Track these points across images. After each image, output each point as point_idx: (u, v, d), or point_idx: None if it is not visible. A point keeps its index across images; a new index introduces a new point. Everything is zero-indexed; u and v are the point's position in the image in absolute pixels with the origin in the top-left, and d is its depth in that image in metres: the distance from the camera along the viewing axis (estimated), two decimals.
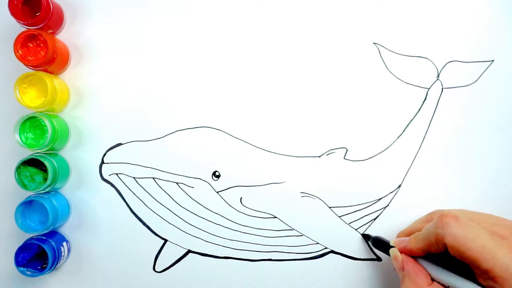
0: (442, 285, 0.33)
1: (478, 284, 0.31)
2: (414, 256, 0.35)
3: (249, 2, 0.42)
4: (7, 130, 0.41)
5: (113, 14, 0.42)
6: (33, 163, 0.39)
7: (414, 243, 0.35)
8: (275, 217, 0.41)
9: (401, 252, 0.36)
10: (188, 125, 0.42)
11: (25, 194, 0.40)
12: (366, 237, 0.41)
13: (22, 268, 0.38)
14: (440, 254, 0.33)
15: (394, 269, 0.36)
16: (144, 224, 0.41)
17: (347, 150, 0.41)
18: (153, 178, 0.41)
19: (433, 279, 0.33)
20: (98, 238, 0.41)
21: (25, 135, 0.39)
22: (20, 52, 0.39)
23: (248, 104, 0.41)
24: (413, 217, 0.40)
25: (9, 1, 0.38)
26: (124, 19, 0.42)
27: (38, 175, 0.39)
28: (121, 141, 0.41)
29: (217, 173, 0.41)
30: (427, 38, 0.41)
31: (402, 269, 0.35)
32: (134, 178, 0.41)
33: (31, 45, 0.39)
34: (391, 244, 0.37)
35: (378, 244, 0.39)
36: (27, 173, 0.39)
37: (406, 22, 0.41)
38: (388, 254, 0.37)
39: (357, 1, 0.42)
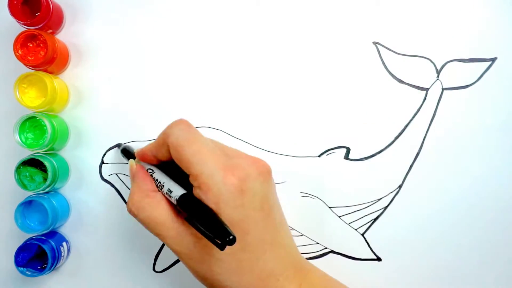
0: (163, 193, 0.32)
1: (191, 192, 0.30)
2: (150, 164, 0.34)
3: (249, 2, 0.42)
4: (6, 130, 0.41)
5: (113, 14, 0.42)
6: (33, 163, 0.39)
7: (147, 146, 0.34)
8: None
9: (141, 159, 0.35)
10: None
11: (24, 194, 0.40)
12: (118, 146, 0.41)
13: (22, 268, 0.38)
14: (171, 165, 0.33)
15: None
16: None
17: (347, 150, 0.41)
18: None
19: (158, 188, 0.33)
20: (98, 238, 0.41)
21: (25, 135, 0.39)
22: (19, 52, 0.39)
23: (248, 104, 0.41)
24: (414, 217, 0.40)
25: (9, 1, 0.38)
26: (124, 19, 0.42)
27: (37, 175, 0.39)
28: (121, 141, 0.41)
29: None
30: (427, 38, 0.41)
31: (133, 177, 0.34)
32: None
33: (31, 45, 0.39)
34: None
35: (126, 153, 0.38)
36: (27, 173, 0.39)
37: (406, 21, 0.41)
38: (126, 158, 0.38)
39: (357, 0, 0.42)
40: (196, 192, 0.30)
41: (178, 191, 0.31)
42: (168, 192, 0.32)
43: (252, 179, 0.30)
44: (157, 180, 0.33)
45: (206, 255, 0.30)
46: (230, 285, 0.31)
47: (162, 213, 0.31)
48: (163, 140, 0.32)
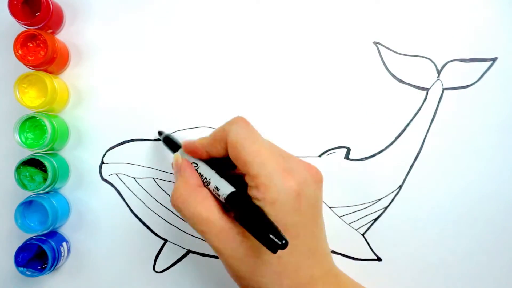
0: (210, 189, 0.32)
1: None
2: (200, 159, 0.34)
3: (248, 2, 0.42)
4: (6, 130, 0.41)
5: (113, 14, 0.42)
6: (33, 163, 0.39)
7: (200, 140, 0.33)
8: None
9: (189, 153, 0.34)
10: (188, 125, 0.41)
11: (24, 194, 0.40)
12: (159, 133, 0.40)
13: (22, 268, 0.38)
14: (223, 162, 0.32)
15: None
16: (144, 224, 0.41)
17: (347, 150, 0.41)
18: (153, 178, 0.41)
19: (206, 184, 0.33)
20: (98, 238, 0.41)
21: (25, 135, 0.39)
22: (20, 52, 0.39)
23: (248, 104, 0.41)
24: (414, 218, 0.40)
25: (9, 1, 0.38)
26: (124, 19, 0.42)
27: (38, 175, 0.39)
28: (121, 140, 0.41)
29: None
30: (427, 38, 0.41)
31: (179, 170, 0.33)
32: (134, 178, 0.41)
33: (31, 45, 0.39)
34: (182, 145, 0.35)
35: (169, 143, 0.38)
36: (27, 173, 0.39)
37: (407, 21, 0.41)
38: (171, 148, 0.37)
39: (357, 0, 0.42)
40: (253, 192, 0.29)
41: (227, 188, 0.30)
42: (215, 189, 0.31)
43: (308, 184, 0.30)
44: (202, 175, 0.33)
45: (252, 256, 0.30)
46: None
47: (208, 209, 0.31)
48: (221, 137, 0.31)
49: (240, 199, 0.29)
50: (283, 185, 0.29)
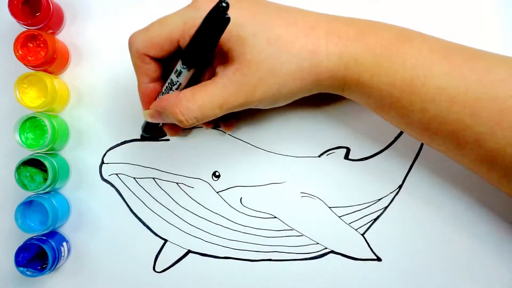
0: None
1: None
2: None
3: None
4: (7, 130, 0.41)
5: (113, 14, 0.42)
6: (33, 163, 0.39)
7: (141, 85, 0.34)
8: (275, 217, 0.41)
9: (146, 99, 0.35)
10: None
11: (25, 194, 0.40)
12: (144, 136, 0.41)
13: (22, 268, 0.38)
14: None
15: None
16: (144, 224, 0.41)
17: (347, 150, 0.41)
18: (153, 178, 0.41)
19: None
20: (98, 238, 0.41)
21: (25, 135, 0.39)
22: (20, 52, 0.39)
23: None
24: (414, 218, 0.40)
25: (9, 1, 0.38)
26: (124, 19, 0.42)
27: (38, 175, 0.39)
28: (120, 140, 0.42)
29: (217, 173, 0.41)
30: None
31: (164, 110, 0.32)
32: (134, 178, 0.41)
33: (31, 45, 0.39)
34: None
35: (148, 128, 0.39)
36: (27, 173, 0.39)
37: (406, 21, 0.41)
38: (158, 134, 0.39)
39: (357, 0, 0.42)
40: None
41: (177, 66, 0.31)
42: (175, 80, 0.32)
43: None
44: (169, 85, 0.33)
45: (251, 70, 0.30)
46: (278, 70, 0.31)
47: (203, 94, 0.31)
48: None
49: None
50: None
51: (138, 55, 0.32)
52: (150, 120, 0.35)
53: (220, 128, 0.41)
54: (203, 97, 0.31)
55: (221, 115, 0.32)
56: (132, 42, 0.32)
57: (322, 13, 0.33)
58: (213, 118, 0.32)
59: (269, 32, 0.30)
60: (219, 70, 0.31)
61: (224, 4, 0.26)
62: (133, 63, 0.33)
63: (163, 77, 0.34)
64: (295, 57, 0.31)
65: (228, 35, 0.30)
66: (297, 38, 0.31)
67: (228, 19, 0.27)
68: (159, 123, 0.38)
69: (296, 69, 0.31)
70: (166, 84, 0.33)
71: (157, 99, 0.34)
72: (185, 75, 0.31)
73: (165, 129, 0.39)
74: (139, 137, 0.42)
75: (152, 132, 0.40)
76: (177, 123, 0.32)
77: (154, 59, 0.33)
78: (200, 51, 0.29)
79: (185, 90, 0.32)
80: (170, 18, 0.32)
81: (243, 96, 0.31)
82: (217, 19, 0.27)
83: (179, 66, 0.31)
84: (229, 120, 0.40)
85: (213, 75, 0.32)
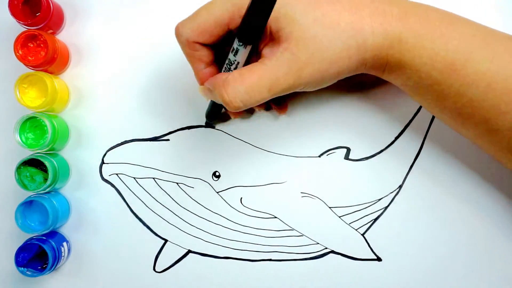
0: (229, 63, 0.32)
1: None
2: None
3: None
4: (7, 130, 0.41)
5: (113, 14, 0.42)
6: (33, 163, 0.39)
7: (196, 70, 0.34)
8: (275, 217, 0.41)
9: (204, 78, 0.34)
10: (188, 125, 0.42)
11: (25, 194, 0.40)
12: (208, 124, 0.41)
13: (22, 268, 0.38)
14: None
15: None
16: (144, 224, 0.41)
17: (347, 150, 0.41)
18: (153, 178, 0.41)
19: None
20: (98, 238, 0.41)
21: (25, 135, 0.39)
22: (20, 52, 0.39)
23: None
24: (414, 217, 0.40)
25: (9, 1, 0.38)
26: (124, 19, 0.42)
27: (38, 175, 0.39)
28: (121, 141, 0.42)
29: (217, 173, 0.41)
30: None
31: (212, 88, 0.32)
32: (134, 178, 0.41)
33: (31, 45, 0.39)
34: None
35: (211, 113, 0.39)
36: (27, 173, 0.39)
37: None
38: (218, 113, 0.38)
39: None
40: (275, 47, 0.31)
41: (234, 44, 0.31)
42: (232, 59, 0.31)
43: None
44: (227, 66, 0.32)
45: (299, 49, 0.30)
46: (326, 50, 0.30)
47: (252, 76, 0.30)
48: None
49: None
50: None
51: (188, 44, 0.32)
52: (202, 95, 0.34)
53: (273, 110, 0.41)
54: (251, 78, 0.30)
55: (269, 98, 0.31)
56: (181, 32, 0.32)
57: None
58: (260, 102, 0.31)
59: (316, 10, 0.30)
60: (266, 51, 0.31)
61: None
62: (184, 53, 0.33)
63: (216, 60, 0.34)
64: (342, 35, 0.30)
65: (276, 14, 0.30)
66: (343, 16, 0.31)
67: None
68: (221, 109, 0.38)
69: (343, 47, 0.31)
70: (225, 65, 0.33)
71: (212, 77, 0.33)
72: (242, 52, 0.31)
73: (227, 111, 0.38)
74: (154, 136, 0.42)
75: (215, 117, 0.40)
76: (223, 104, 0.31)
77: (204, 45, 0.32)
78: (255, 25, 0.29)
79: (234, 71, 0.31)
80: (216, 3, 0.31)
81: (292, 76, 0.30)
82: None
83: (235, 44, 0.30)
84: (283, 103, 0.39)
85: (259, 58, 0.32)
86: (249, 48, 0.31)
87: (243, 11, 0.30)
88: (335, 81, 0.34)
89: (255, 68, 0.30)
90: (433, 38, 0.31)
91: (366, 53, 0.31)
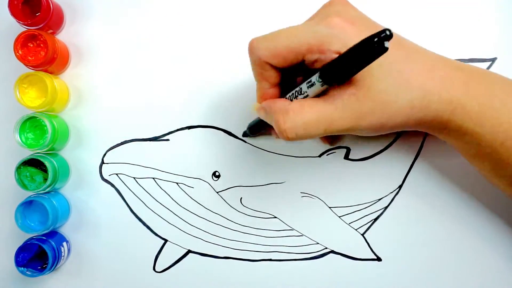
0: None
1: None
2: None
3: (249, 1, 0.42)
4: (7, 130, 0.41)
5: (113, 14, 0.42)
6: (33, 163, 0.39)
7: (258, 86, 0.33)
8: (275, 217, 0.41)
9: (264, 98, 0.34)
10: (188, 125, 0.42)
11: (25, 194, 0.40)
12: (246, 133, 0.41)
13: (22, 268, 0.38)
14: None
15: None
16: (144, 224, 0.41)
17: (347, 150, 0.41)
18: (153, 178, 0.41)
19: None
20: (98, 238, 0.41)
21: (25, 135, 0.39)
22: (20, 52, 0.39)
23: (249, 103, 0.41)
24: (414, 218, 0.40)
25: (9, 1, 0.38)
26: (124, 19, 0.42)
27: (38, 175, 0.39)
28: (121, 141, 0.42)
29: (217, 173, 0.41)
30: (426, 38, 0.41)
31: (270, 110, 0.31)
32: (134, 178, 0.41)
33: (31, 45, 0.39)
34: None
35: (255, 127, 0.39)
36: (27, 173, 0.39)
37: (405, 21, 0.41)
38: (263, 129, 0.38)
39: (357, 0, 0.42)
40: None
41: (312, 78, 0.30)
42: (304, 90, 0.31)
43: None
44: (296, 92, 0.32)
45: (366, 97, 0.30)
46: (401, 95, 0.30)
47: (311, 111, 0.30)
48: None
49: (331, 65, 0.29)
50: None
51: (259, 62, 0.32)
52: (255, 112, 0.34)
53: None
54: (311, 113, 0.30)
55: (323, 135, 0.31)
56: (255, 49, 0.31)
57: (437, 54, 0.33)
58: (313, 138, 0.31)
59: (393, 65, 0.30)
60: (332, 90, 0.30)
61: (388, 33, 0.25)
62: (253, 69, 0.33)
63: (281, 83, 0.34)
64: (410, 94, 0.30)
65: None
66: (416, 77, 0.31)
67: (386, 49, 0.26)
68: (266, 127, 0.37)
69: (407, 105, 0.30)
70: (293, 91, 0.32)
71: (272, 99, 0.33)
72: (317, 88, 0.30)
73: (272, 131, 0.38)
74: (154, 136, 0.41)
75: (257, 132, 0.39)
76: (277, 131, 0.31)
77: (274, 66, 0.32)
78: (344, 72, 0.28)
79: (295, 101, 0.31)
80: (299, 31, 0.31)
81: (351, 122, 0.30)
82: (375, 45, 0.26)
83: (314, 78, 0.30)
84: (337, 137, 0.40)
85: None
86: (325, 87, 0.30)
87: (323, 46, 0.29)
88: (389, 132, 0.33)
89: (318, 105, 0.30)
90: (495, 109, 0.31)
91: (427, 116, 0.31)
